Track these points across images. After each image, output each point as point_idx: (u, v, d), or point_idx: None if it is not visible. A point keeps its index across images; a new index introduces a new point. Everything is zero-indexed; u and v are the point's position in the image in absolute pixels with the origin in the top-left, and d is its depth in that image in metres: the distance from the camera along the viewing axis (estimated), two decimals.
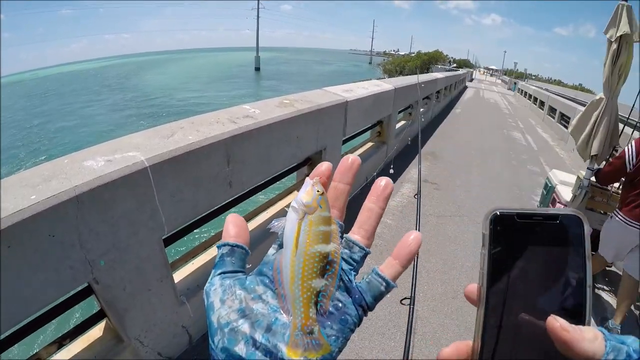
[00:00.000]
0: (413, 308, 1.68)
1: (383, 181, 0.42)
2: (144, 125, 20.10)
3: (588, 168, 3.25)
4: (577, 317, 0.31)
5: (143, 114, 24.23)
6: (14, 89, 45.63)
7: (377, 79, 7.69)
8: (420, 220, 2.63)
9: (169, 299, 1.93)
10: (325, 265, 0.37)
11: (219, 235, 2.46)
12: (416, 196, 2.83)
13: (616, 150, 3.24)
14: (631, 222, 2.71)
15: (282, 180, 3.06)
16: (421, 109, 8.18)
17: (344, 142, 3.96)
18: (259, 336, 0.34)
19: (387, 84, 5.27)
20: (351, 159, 0.42)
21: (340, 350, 0.36)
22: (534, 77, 73.96)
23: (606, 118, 3.09)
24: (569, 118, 9.29)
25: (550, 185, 4.14)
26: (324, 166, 0.42)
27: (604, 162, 3.27)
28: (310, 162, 3.24)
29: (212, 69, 64.27)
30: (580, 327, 0.28)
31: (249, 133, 2.20)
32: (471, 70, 49.17)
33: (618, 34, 2.83)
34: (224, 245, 0.41)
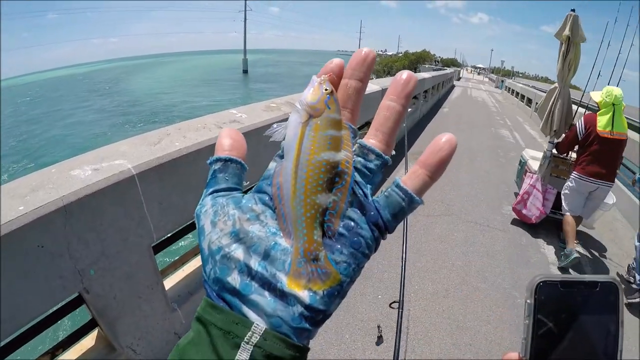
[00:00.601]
0: (402, 312, 1.70)
1: (404, 74, 0.34)
2: (130, 129, 19.97)
3: (549, 142, 4.10)
4: None
5: (131, 120, 24.07)
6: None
7: None
8: (409, 220, 2.66)
9: (160, 306, 1.93)
10: (333, 177, 0.31)
11: None
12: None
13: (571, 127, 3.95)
14: (584, 177, 3.58)
15: None
16: (408, 109, 8.24)
17: None
18: (254, 264, 0.29)
19: (374, 85, 5.30)
20: (365, 51, 0.34)
21: (352, 281, 0.31)
22: (521, 75, 74.78)
23: (560, 101, 3.93)
24: None
25: (523, 160, 4.93)
26: (334, 62, 0.35)
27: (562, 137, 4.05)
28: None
29: (200, 72, 63.98)
30: None
31: None
32: (459, 69, 49.52)
33: (566, 38, 3.67)
34: (216, 160, 0.36)
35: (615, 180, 3.80)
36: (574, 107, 4.23)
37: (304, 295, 0.29)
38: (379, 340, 2.46)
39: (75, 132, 21.43)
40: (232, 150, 0.36)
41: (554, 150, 4.10)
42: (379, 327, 2.54)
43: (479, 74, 74.71)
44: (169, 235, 1.94)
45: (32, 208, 1.27)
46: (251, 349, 0.27)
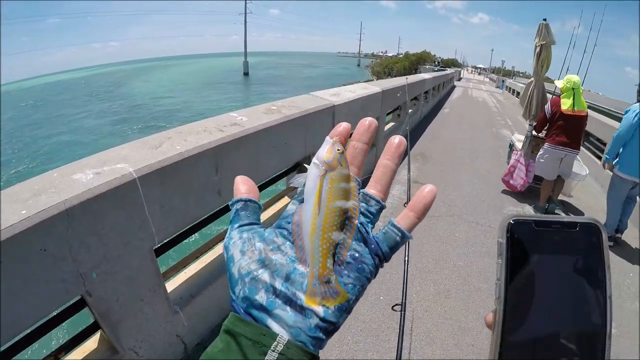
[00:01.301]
0: (404, 315, 1.70)
1: (396, 139, 0.44)
2: (131, 133, 20.00)
3: (529, 124, 5.13)
4: (598, 327, 0.30)
5: (132, 123, 24.11)
6: None
7: (366, 81, 7.73)
8: None
9: (163, 309, 1.94)
10: (344, 220, 0.38)
11: (209, 244, 2.48)
12: (406, 204, 2.86)
13: None
14: (553, 146, 4.50)
15: (272, 185, 3.08)
16: (409, 110, 8.24)
17: None
18: (278, 284, 0.35)
19: (374, 87, 5.32)
20: (369, 121, 0.44)
21: (357, 299, 0.38)
22: (521, 75, 74.72)
23: (536, 91, 5.01)
24: None
25: (511, 143, 6.02)
26: (342, 126, 0.43)
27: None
28: (299, 168, 3.26)
29: (200, 75, 64.10)
30: None
31: (237, 141, 2.22)
32: (459, 69, 49.51)
33: (540, 43, 4.76)
34: (237, 201, 0.42)
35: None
36: (549, 95, 5.26)
37: (319, 309, 0.35)
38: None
39: (77, 136, 21.48)
40: (249, 193, 0.43)
41: (534, 132, 5.05)
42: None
43: (479, 74, 74.70)
44: (170, 238, 1.95)
45: (35, 212, 1.28)
46: (276, 356, 0.32)
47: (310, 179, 0.39)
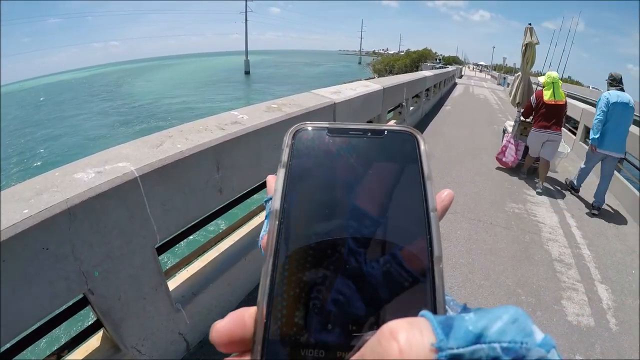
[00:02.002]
0: None
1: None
2: (133, 132, 20.05)
3: (518, 111, 6.04)
4: (420, 244, 0.25)
5: (133, 122, 24.16)
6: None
7: (367, 79, 7.72)
8: None
9: (165, 307, 1.95)
10: None
11: (212, 242, 2.49)
12: None
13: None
14: (538, 130, 5.29)
15: None
16: (410, 108, 8.23)
17: None
18: None
19: (375, 84, 5.31)
20: None
21: None
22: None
23: (522, 84, 6.01)
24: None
25: (505, 128, 6.88)
26: None
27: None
28: None
29: (201, 74, 64.10)
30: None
31: (238, 139, 2.22)
32: (460, 66, 49.41)
33: (525, 43, 5.73)
34: (271, 198, 0.39)
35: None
36: (534, 86, 6.13)
37: None
38: None
39: (80, 135, 21.55)
40: None
41: (522, 118, 5.91)
42: None
43: (480, 71, 74.47)
44: (172, 236, 1.96)
45: (37, 211, 1.29)
46: None
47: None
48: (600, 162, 4.96)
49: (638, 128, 5.75)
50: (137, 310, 1.79)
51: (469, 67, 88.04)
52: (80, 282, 1.47)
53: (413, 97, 8.63)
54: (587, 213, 4.94)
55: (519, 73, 6.14)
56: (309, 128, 0.29)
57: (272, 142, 2.63)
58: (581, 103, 8.81)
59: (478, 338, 0.17)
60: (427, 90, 10.92)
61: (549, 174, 5.89)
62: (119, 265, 1.62)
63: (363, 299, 0.23)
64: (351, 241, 0.25)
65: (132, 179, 1.58)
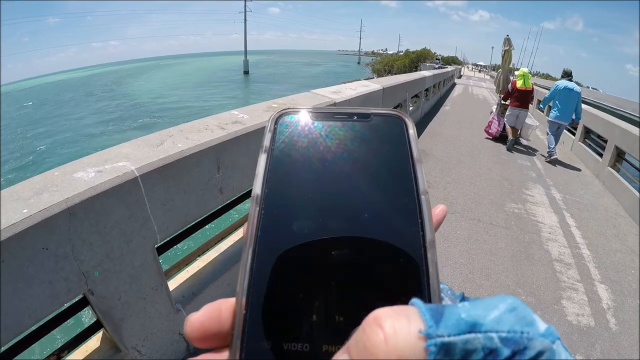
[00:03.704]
0: None
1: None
2: (132, 131, 20.05)
3: (499, 97, 8.52)
4: (412, 229, 0.23)
5: (133, 122, 24.12)
6: None
7: (366, 79, 7.72)
8: None
9: (165, 307, 1.94)
10: None
11: (212, 242, 2.48)
12: None
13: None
14: (512, 108, 7.68)
15: None
16: (410, 107, 8.23)
17: None
18: None
19: (375, 84, 5.30)
20: None
21: None
22: (538, 75, 74.20)
23: (502, 76, 8.78)
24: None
25: (492, 110, 9.04)
26: None
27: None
28: None
29: (201, 74, 64.00)
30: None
31: (238, 139, 2.22)
32: (459, 66, 49.42)
33: (504, 49, 8.57)
34: None
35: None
36: (511, 78, 8.36)
37: None
38: None
39: (79, 134, 21.52)
40: None
41: (502, 101, 8.37)
42: None
43: (480, 71, 74.48)
44: (172, 236, 1.95)
45: (36, 211, 1.28)
46: None
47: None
48: (557, 129, 7.21)
49: (638, 128, 5.78)
50: (137, 310, 1.78)
51: (467, 67, 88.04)
52: (80, 283, 1.46)
53: (412, 97, 8.63)
54: (545, 161, 7.27)
55: (500, 70, 8.99)
56: (293, 113, 0.28)
57: None
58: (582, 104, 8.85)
59: (472, 327, 0.16)
60: (427, 90, 10.91)
61: (526, 143, 8.56)
62: (119, 266, 1.61)
63: (351, 289, 0.22)
64: (338, 228, 0.24)
65: (133, 178, 1.58)
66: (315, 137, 0.27)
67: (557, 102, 6.98)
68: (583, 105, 7.35)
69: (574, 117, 6.99)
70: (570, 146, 8.37)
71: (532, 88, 7.64)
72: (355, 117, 0.28)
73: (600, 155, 6.69)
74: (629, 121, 6.95)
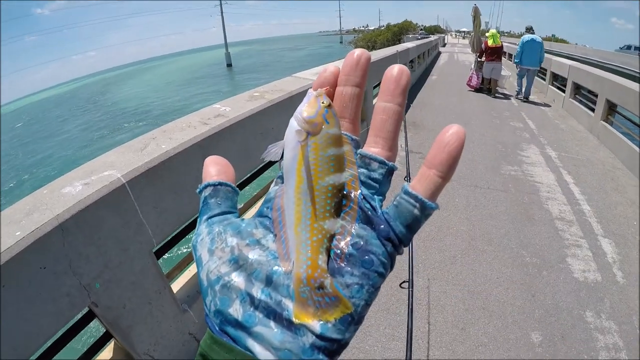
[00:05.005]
0: (412, 292, 1.70)
1: (395, 69, 0.31)
2: (121, 137, 19.96)
3: (476, 55, 10.04)
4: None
5: (122, 128, 23.96)
6: None
7: None
8: None
9: (171, 309, 1.95)
10: (340, 200, 0.29)
11: None
12: (406, 179, 2.81)
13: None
14: (488, 62, 9.36)
15: (267, 172, 3.07)
16: None
17: None
18: (257, 292, 0.27)
19: None
20: (357, 53, 0.32)
21: (368, 304, 0.28)
22: (506, 34, 73.85)
23: (475, 38, 10.00)
24: (546, 70, 9.79)
25: (472, 67, 10.57)
26: (328, 71, 0.33)
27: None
28: None
29: (184, 72, 63.25)
30: None
31: (222, 132, 2.20)
32: (443, 35, 48.92)
33: (473, 16, 10.00)
34: (206, 186, 0.33)
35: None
36: (483, 39, 9.59)
37: (315, 324, 0.26)
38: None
39: (71, 148, 21.42)
40: (220, 175, 0.34)
41: (478, 58, 9.82)
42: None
43: (464, 37, 73.71)
44: (168, 238, 1.94)
45: (29, 231, 1.27)
46: None
47: (289, 147, 0.30)
48: (526, 74, 8.83)
49: (628, 80, 5.82)
50: (144, 315, 1.79)
51: (451, 35, 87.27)
52: (82, 296, 1.46)
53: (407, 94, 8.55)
54: (520, 99, 9.21)
55: (472, 33, 10.49)
56: None
57: (258, 131, 2.60)
58: (568, 60, 9.05)
59: None
60: (411, 62, 10.83)
61: (502, 90, 10.04)
62: (118, 274, 1.61)
63: None
64: None
65: (120, 185, 1.56)
66: None
67: (524, 52, 8.60)
68: (571, 63, 8.27)
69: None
70: (561, 103, 8.35)
71: (501, 45, 9.25)
72: None
73: (592, 110, 6.67)
74: (618, 74, 6.96)
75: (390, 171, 0.31)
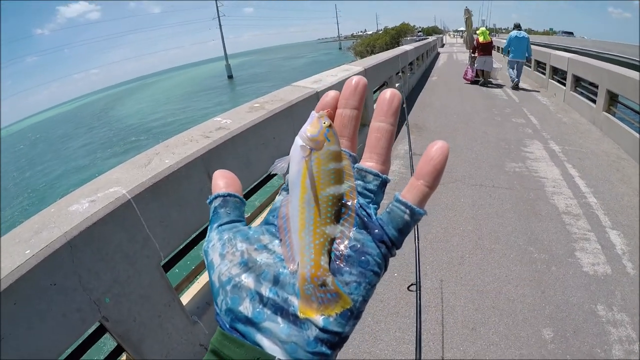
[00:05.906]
0: (420, 294, 1.70)
1: (387, 93, 0.36)
2: (125, 154, 20.09)
3: (469, 51, 12.14)
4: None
5: (125, 145, 24.14)
6: None
7: (350, 63, 7.68)
8: None
9: (181, 322, 1.96)
10: (339, 209, 0.33)
11: None
12: None
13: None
14: (480, 56, 10.78)
15: (270, 182, 3.09)
16: (397, 84, 8.18)
17: None
18: (265, 290, 0.30)
19: (356, 67, 5.29)
20: (355, 80, 0.37)
21: (365, 300, 0.31)
22: (504, 31, 73.93)
23: (468, 37, 12.91)
24: (545, 64, 10.00)
25: (467, 62, 12.32)
26: (329, 96, 0.38)
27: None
28: None
29: (185, 86, 63.68)
30: None
31: (224, 144, 2.22)
32: (441, 35, 48.95)
33: (465, 17, 12.72)
34: (215, 197, 0.37)
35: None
36: (475, 36, 11.02)
37: (318, 318, 0.29)
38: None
39: (75, 166, 21.59)
40: (228, 187, 0.38)
41: (471, 54, 11.39)
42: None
43: (461, 37, 73.79)
44: (176, 251, 1.97)
45: (38, 250, 1.29)
46: None
47: (294, 162, 0.34)
48: (515, 65, 10.01)
49: (627, 69, 5.79)
50: (154, 328, 1.80)
51: (449, 35, 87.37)
52: (93, 311, 1.48)
53: (397, 74, 8.57)
54: (510, 87, 10.32)
55: (465, 32, 11.91)
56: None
57: (260, 142, 2.63)
58: (566, 53, 9.15)
59: None
60: (411, 64, 10.86)
61: (494, 81, 11.19)
62: (127, 288, 1.63)
63: None
64: None
65: (126, 201, 1.59)
66: None
67: (511, 47, 9.93)
68: (570, 54, 8.56)
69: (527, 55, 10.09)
70: (562, 97, 8.32)
71: (491, 40, 10.95)
72: None
73: (594, 101, 6.64)
74: (618, 64, 6.99)
75: (383, 183, 0.36)
